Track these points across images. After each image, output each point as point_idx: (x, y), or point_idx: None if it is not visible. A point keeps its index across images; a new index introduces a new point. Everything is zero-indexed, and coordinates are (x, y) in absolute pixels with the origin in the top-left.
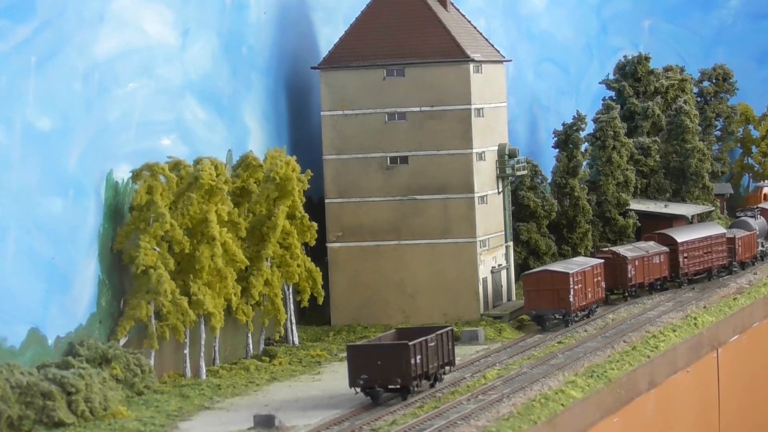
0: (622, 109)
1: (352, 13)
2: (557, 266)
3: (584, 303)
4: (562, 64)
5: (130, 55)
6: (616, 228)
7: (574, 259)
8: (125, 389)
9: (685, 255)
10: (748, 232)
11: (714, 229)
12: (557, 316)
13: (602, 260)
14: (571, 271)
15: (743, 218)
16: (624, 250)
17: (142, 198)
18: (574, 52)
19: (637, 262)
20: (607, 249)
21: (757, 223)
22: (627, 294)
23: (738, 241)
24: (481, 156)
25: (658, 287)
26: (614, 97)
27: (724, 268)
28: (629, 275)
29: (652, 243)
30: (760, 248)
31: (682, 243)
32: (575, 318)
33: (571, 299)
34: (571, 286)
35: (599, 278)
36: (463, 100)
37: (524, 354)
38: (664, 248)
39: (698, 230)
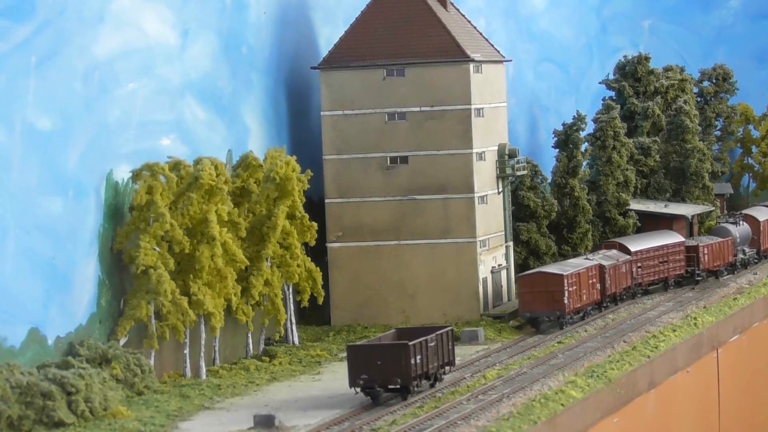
0: (622, 109)
1: (352, 13)
2: (552, 268)
3: (579, 305)
4: (562, 64)
5: (130, 55)
6: (616, 228)
7: (570, 260)
8: (125, 389)
9: (639, 264)
10: (721, 239)
11: (671, 238)
12: (551, 318)
13: (596, 263)
14: (565, 273)
15: (723, 225)
16: (599, 257)
17: (142, 198)
18: (574, 52)
19: (612, 271)
20: (584, 257)
21: (738, 229)
22: (605, 304)
23: (703, 249)
24: (481, 156)
25: (624, 297)
26: (614, 97)
27: (681, 277)
28: (607, 284)
29: (614, 251)
30: (741, 255)
31: (636, 252)
32: (570, 320)
33: (566, 301)
34: (566, 287)
35: (594, 280)
36: (463, 100)
37: (524, 354)
38: (627, 256)
39: (655, 239)
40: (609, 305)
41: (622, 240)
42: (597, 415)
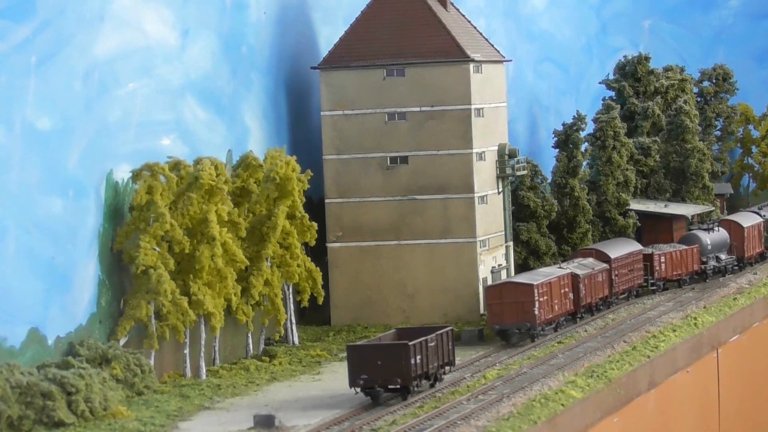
0: (622, 109)
1: (352, 13)
2: (521, 277)
3: (551, 316)
4: (562, 64)
5: (130, 55)
6: (616, 228)
7: (541, 269)
8: (125, 389)
9: (616, 273)
10: (685, 247)
11: (633, 246)
12: (522, 331)
13: (569, 271)
14: (535, 283)
15: (693, 231)
16: (573, 266)
17: (142, 198)
18: (574, 52)
19: (586, 280)
20: (558, 265)
21: (711, 236)
22: (580, 315)
23: (659, 258)
24: (481, 156)
25: (601, 307)
26: (614, 97)
27: (641, 287)
28: (581, 293)
29: (591, 259)
30: (713, 263)
31: (615, 260)
32: (541, 332)
33: (536, 312)
34: (536, 298)
35: (566, 290)
36: (463, 100)
37: (524, 354)
38: (605, 265)
39: (623, 246)
40: (584, 316)
41: (599, 246)
42: (597, 415)
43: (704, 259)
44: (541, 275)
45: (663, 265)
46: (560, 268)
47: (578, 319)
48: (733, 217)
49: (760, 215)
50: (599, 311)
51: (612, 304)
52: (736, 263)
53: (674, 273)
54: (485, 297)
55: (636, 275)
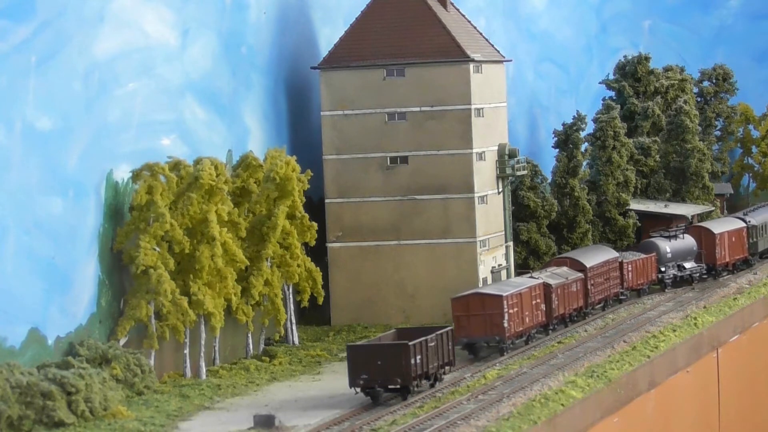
0: (622, 109)
1: (352, 13)
2: (490, 288)
3: (521, 329)
4: (562, 64)
5: (130, 55)
6: (616, 228)
7: (512, 279)
8: (125, 389)
9: (592, 282)
10: (645, 256)
11: (609, 254)
12: (491, 344)
13: (541, 281)
14: (504, 294)
15: (652, 239)
16: (546, 275)
17: (142, 198)
18: (574, 52)
19: (559, 291)
20: (529, 275)
21: (673, 243)
22: (552, 327)
23: (627, 266)
24: (481, 156)
25: (575, 318)
26: (614, 97)
27: (616, 296)
28: (554, 304)
29: (565, 268)
30: (672, 271)
31: (591, 268)
32: (511, 345)
33: (506, 325)
34: (505, 310)
35: (538, 300)
36: (463, 100)
37: (524, 354)
38: (579, 274)
39: (599, 254)
40: (557, 327)
41: (574, 255)
42: (597, 415)
43: (662, 268)
44: (511, 286)
45: (630, 274)
46: (532, 278)
47: (550, 331)
48: (706, 223)
49: (745, 221)
50: (573, 322)
51: (588, 314)
52: (705, 272)
53: (638, 282)
54: (451, 308)
55: (612, 284)
